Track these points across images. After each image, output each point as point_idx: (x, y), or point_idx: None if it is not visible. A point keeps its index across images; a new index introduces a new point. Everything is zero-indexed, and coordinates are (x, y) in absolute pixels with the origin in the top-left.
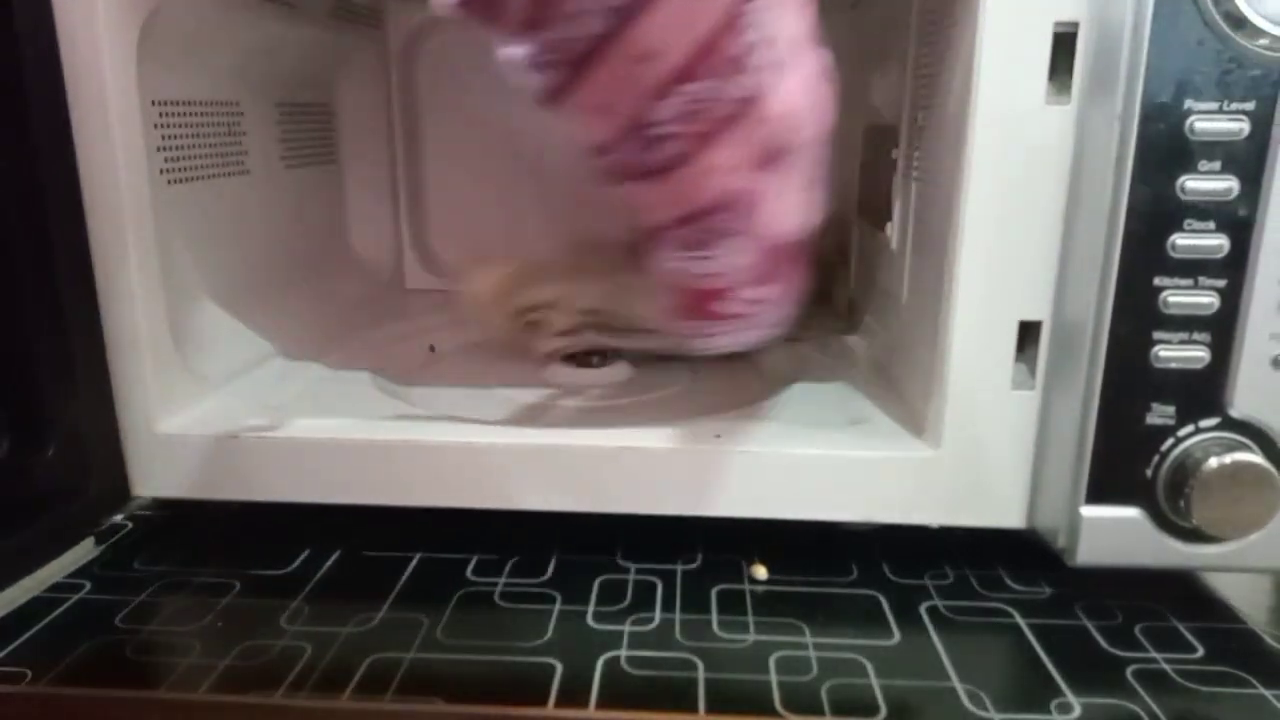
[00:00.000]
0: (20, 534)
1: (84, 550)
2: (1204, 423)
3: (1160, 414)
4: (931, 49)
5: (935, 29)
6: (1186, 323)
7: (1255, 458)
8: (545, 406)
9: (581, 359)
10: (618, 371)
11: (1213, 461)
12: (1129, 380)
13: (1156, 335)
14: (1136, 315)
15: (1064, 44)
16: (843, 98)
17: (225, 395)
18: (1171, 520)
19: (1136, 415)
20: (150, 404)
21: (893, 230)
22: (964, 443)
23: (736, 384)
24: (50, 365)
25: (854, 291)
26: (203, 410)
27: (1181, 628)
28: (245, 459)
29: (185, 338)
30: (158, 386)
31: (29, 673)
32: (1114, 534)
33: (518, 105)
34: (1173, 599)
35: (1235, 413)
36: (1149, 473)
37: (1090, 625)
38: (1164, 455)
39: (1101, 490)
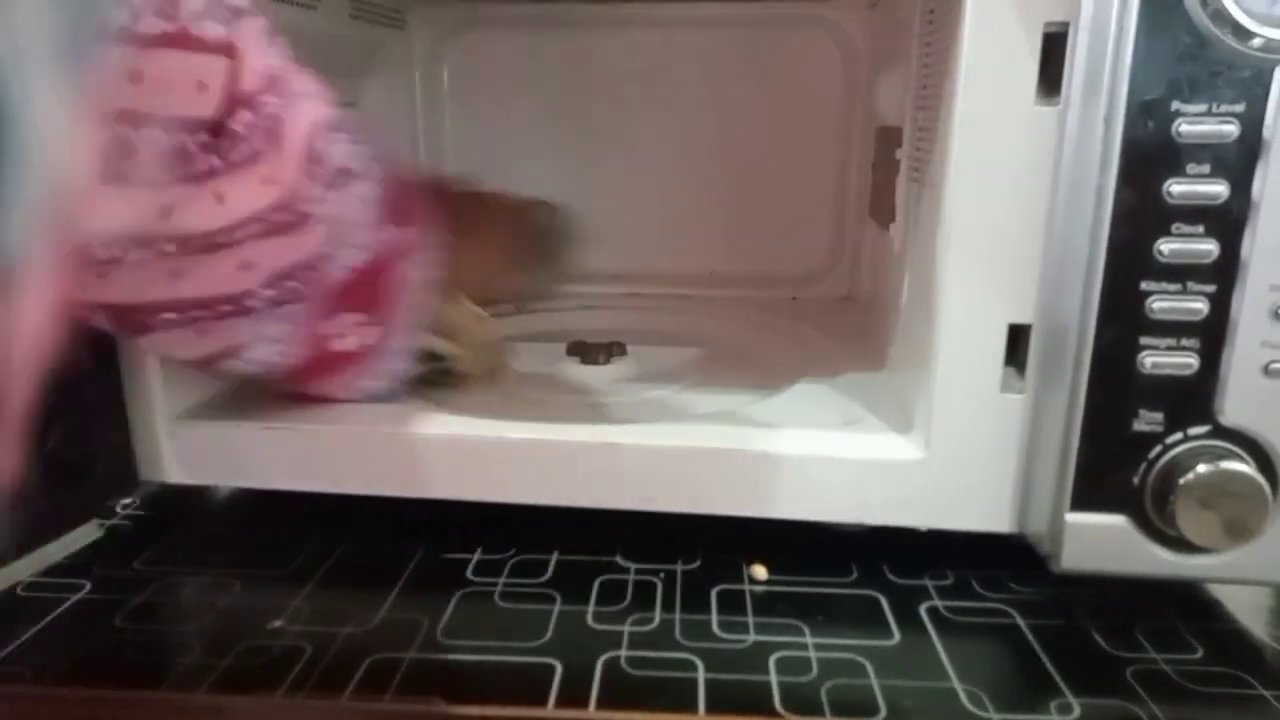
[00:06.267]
0: (26, 511)
1: (84, 544)
2: (1193, 430)
3: (1148, 421)
4: (930, 49)
5: (933, 29)
6: (1175, 328)
7: (1244, 467)
8: (548, 402)
9: (587, 355)
10: (621, 368)
11: (1200, 470)
12: (1116, 386)
13: (1144, 341)
14: (1123, 320)
15: (1054, 44)
16: (858, 98)
17: (234, 383)
18: (1159, 529)
19: (1124, 421)
20: (159, 389)
21: (896, 231)
22: (952, 445)
23: (737, 383)
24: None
25: (867, 294)
26: (211, 397)
27: (1181, 628)
28: (251, 447)
29: None
30: (167, 372)
31: (29, 673)
32: (1099, 541)
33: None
34: (1173, 600)
35: (1226, 421)
36: (1136, 480)
37: (1090, 626)
38: (1151, 463)
39: (1087, 496)
